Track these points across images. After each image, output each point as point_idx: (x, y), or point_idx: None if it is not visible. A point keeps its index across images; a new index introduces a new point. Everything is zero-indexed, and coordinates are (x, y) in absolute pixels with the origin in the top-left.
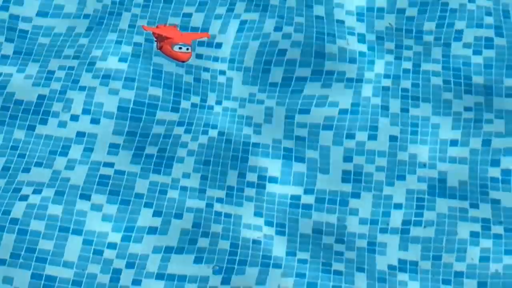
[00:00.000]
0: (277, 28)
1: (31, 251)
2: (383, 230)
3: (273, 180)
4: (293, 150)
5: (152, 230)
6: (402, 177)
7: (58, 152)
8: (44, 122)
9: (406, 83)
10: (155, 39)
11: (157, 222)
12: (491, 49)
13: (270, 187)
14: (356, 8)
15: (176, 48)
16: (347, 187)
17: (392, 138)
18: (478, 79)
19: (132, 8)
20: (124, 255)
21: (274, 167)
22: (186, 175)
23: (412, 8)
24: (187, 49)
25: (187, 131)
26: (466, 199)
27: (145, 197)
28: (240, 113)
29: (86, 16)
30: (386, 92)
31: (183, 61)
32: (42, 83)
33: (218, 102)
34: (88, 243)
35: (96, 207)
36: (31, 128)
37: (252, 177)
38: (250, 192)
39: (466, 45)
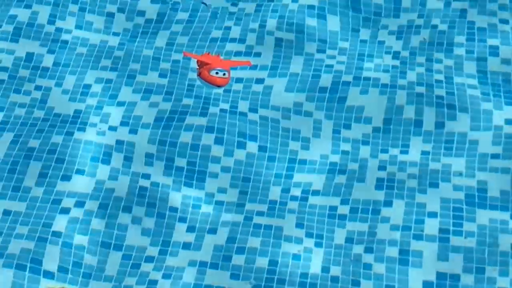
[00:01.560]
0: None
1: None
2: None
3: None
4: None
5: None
6: (435, 185)
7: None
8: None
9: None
10: (197, 66)
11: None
12: None
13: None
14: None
15: (212, 73)
16: (380, 194)
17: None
18: None
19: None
20: (161, 267)
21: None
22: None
23: (443, 25)
24: (224, 74)
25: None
26: (507, 210)
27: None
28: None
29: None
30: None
31: (219, 86)
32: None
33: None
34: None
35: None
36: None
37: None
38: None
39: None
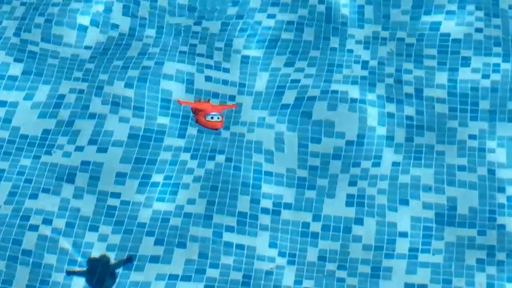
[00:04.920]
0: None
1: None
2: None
3: (287, 206)
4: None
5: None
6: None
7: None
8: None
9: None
10: (192, 113)
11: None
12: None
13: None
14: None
15: (208, 118)
16: (351, 212)
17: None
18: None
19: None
20: (125, 284)
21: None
22: (191, 201)
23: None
24: (218, 117)
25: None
26: (475, 227)
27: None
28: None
29: (88, 47)
30: (392, 120)
31: (217, 129)
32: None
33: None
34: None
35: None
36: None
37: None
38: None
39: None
